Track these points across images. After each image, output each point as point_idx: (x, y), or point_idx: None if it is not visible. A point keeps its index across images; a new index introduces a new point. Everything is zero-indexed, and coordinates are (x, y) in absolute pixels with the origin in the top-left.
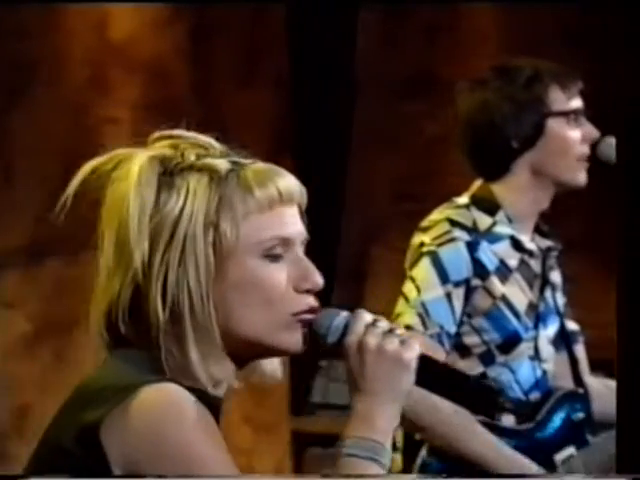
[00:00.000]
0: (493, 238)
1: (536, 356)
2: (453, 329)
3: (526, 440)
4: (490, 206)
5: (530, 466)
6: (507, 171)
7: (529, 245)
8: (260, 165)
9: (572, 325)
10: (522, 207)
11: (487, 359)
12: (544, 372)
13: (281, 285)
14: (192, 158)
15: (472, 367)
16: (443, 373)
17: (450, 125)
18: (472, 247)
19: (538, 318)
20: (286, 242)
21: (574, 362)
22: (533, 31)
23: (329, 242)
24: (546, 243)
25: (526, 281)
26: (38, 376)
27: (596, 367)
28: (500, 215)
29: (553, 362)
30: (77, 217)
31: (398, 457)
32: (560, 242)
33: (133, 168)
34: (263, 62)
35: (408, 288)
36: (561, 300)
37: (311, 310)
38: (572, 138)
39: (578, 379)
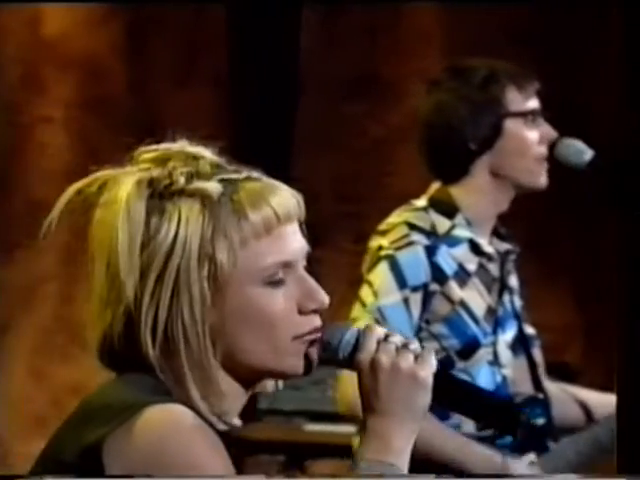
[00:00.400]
0: (452, 242)
1: (495, 361)
2: (410, 335)
3: (486, 447)
4: (448, 209)
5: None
6: (465, 173)
7: (487, 249)
8: (252, 183)
9: (529, 329)
10: (481, 210)
11: (446, 366)
12: (504, 378)
13: (285, 311)
14: (182, 181)
15: None
16: (461, 390)
17: (394, 126)
18: (430, 251)
19: (497, 323)
20: (288, 265)
21: (533, 367)
22: (476, 31)
23: None
24: (504, 246)
25: (484, 285)
26: None
27: (547, 371)
28: (459, 218)
29: (512, 367)
30: (9, 217)
31: None
32: (518, 245)
33: (120, 194)
34: (201, 61)
35: (365, 292)
36: (518, 304)
37: (316, 330)
38: (530, 139)
39: (538, 384)
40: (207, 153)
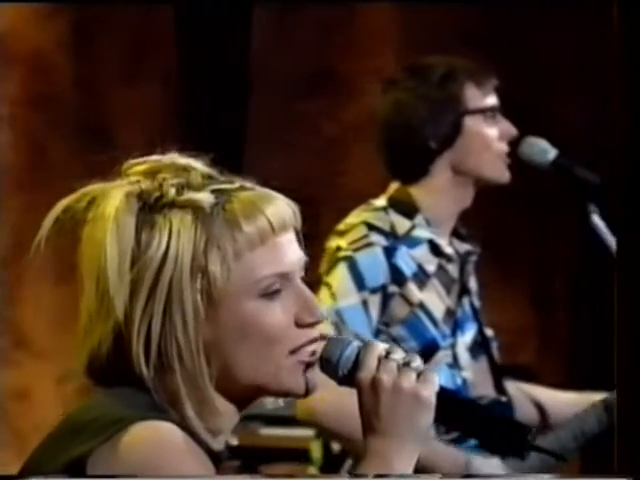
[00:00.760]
0: (411, 243)
1: (455, 364)
2: (369, 337)
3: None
4: (408, 209)
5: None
6: (426, 173)
7: (447, 249)
8: (246, 192)
9: (488, 331)
10: (442, 210)
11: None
12: (464, 380)
13: (282, 324)
14: (173, 193)
15: None
16: (465, 409)
17: (348, 124)
18: (389, 252)
19: (456, 325)
20: (284, 276)
21: (494, 369)
22: (431, 30)
23: None
24: (464, 247)
25: (443, 287)
26: None
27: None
28: (419, 218)
29: (472, 370)
30: None
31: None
32: (479, 246)
33: (109, 208)
34: (149, 59)
35: (323, 295)
36: (478, 305)
37: (313, 341)
38: (490, 135)
39: (499, 386)
40: (198, 164)
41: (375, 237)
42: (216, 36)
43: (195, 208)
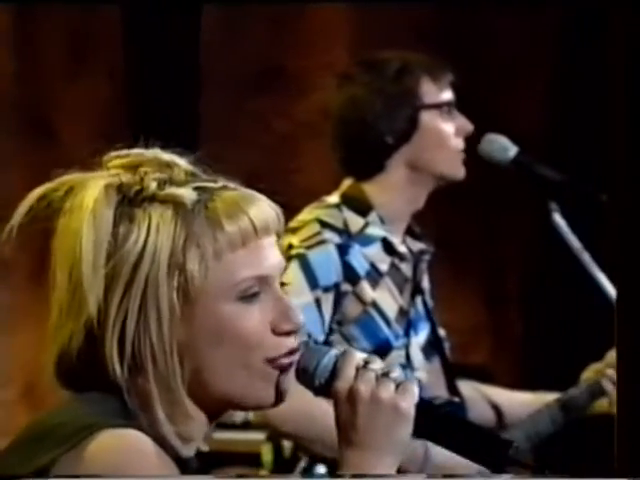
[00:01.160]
0: (365, 240)
1: (408, 365)
2: (321, 337)
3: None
4: (362, 206)
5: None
6: (381, 169)
7: (401, 248)
8: (230, 192)
9: (441, 331)
10: (396, 207)
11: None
12: (418, 381)
13: (258, 330)
14: (154, 187)
15: None
16: (445, 422)
17: (299, 121)
18: (343, 250)
19: (409, 325)
20: (263, 280)
21: (448, 369)
22: (384, 26)
23: None
24: (418, 246)
25: (396, 286)
26: None
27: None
28: (372, 216)
29: (425, 370)
30: None
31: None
32: (432, 244)
33: (87, 199)
34: (94, 54)
35: None
36: (430, 305)
37: (290, 353)
38: (446, 131)
39: (452, 387)
40: (181, 161)
41: (328, 234)
42: (165, 32)
43: (176, 204)
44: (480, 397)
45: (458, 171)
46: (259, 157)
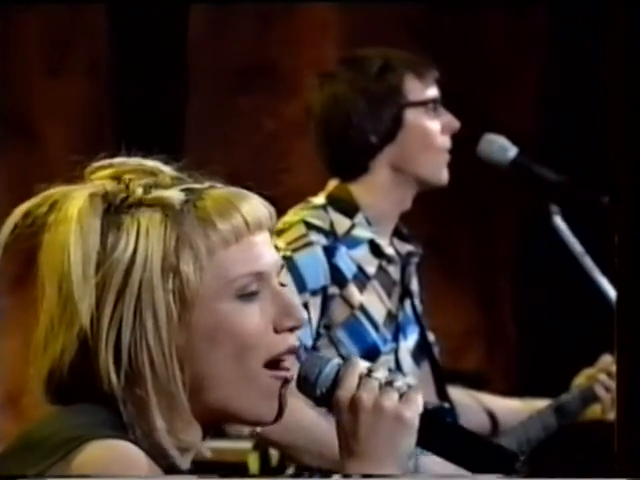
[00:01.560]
0: (351, 243)
1: (397, 370)
2: (309, 342)
3: None
4: (348, 207)
5: None
6: (366, 170)
7: (388, 250)
8: (219, 190)
9: (430, 335)
10: (382, 208)
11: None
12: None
13: (259, 328)
14: (140, 191)
15: None
16: (449, 433)
17: (288, 119)
18: (330, 252)
19: (397, 329)
20: (261, 276)
21: (437, 374)
22: (375, 24)
23: None
24: (406, 248)
25: (384, 289)
26: None
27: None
28: (359, 217)
29: (414, 375)
30: None
31: None
32: (421, 246)
33: (72, 210)
34: (74, 51)
35: None
36: (419, 309)
37: (292, 350)
38: (432, 129)
39: (442, 393)
40: (166, 168)
41: (314, 236)
42: (152, 30)
43: (164, 206)
44: (471, 403)
45: (441, 176)
46: (248, 157)
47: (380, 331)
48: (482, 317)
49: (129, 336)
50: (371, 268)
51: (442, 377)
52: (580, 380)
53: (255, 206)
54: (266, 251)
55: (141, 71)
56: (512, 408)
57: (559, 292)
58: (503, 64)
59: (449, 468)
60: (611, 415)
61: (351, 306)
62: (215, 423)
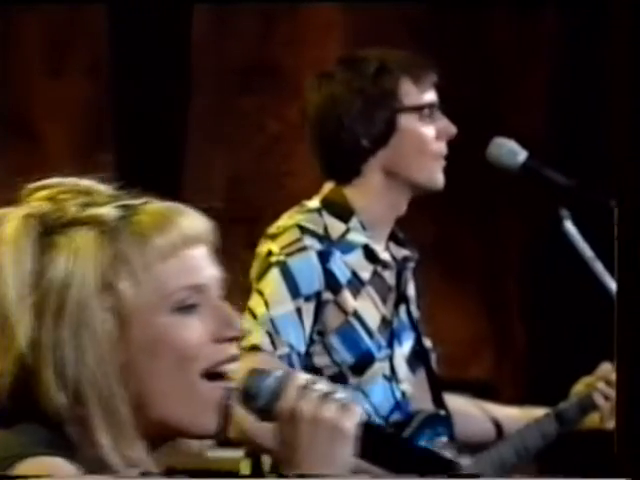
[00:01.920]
0: (346, 247)
1: (392, 377)
2: (303, 348)
3: None
4: (343, 211)
5: None
6: (358, 173)
7: (383, 255)
8: (155, 205)
9: (427, 342)
10: (377, 213)
11: (338, 382)
12: (403, 393)
13: (199, 340)
14: (73, 211)
15: None
16: (388, 443)
17: (291, 122)
18: (324, 257)
19: (392, 335)
20: (199, 289)
21: (433, 381)
22: (379, 24)
23: None
24: (402, 253)
25: (379, 295)
26: None
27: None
28: (353, 221)
29: (410, 382)
30: None
31: None
32: (417, 251)
33: (6, 231)
34: (75, 52)
35: (255, 302)
36: (415, 315)
37: (232, 359)
38: (426, 135)
39: (438, 400)
40: (101, 187)
41: (309, 241)
42: (152, 28)
43: (99, 223)
44: (475, 412)
45: (436, 181)
46: (249, 159)
47: (374, 337)
48: (489, 324)
49: (70, 356)
50: (365, 273)
51: (438, 384)
52: (578, 388)
53: (193, 220)
54: (205, 265)
55: (141, 71)
56: (510, 416)
57: (569, 298)
58: (512, 66)
59: None
60: (610, 424)
61: (345, 312)
62: (161, 438)
